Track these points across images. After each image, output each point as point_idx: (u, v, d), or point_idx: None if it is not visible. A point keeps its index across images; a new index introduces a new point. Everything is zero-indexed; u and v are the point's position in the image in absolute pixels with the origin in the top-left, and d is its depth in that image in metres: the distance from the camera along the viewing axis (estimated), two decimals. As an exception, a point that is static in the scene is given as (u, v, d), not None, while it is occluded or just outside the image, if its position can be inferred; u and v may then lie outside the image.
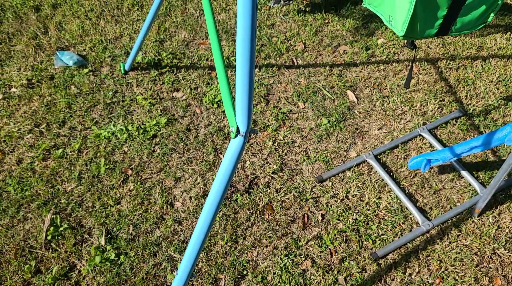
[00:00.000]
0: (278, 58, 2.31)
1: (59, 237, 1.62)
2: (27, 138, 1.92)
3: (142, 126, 1.97)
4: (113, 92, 2.12)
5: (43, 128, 1.96)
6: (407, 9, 1.11)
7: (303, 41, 2.39)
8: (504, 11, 2.47)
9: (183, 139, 1.94)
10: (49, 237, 1.61)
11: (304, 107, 2.08)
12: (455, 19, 1.17)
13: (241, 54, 0.88)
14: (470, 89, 2.11)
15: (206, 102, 2.09)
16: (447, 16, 1.15)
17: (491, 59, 2.23)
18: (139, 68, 2.22)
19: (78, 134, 1.94)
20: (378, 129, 1.98)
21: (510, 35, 2.34)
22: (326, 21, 2.49)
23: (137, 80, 2.18)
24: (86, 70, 2.20)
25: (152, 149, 1.90)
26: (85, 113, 2.02)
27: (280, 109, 2.07)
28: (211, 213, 1.04)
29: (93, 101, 2.07)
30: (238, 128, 0.96)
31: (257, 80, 2.20)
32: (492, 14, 1.20)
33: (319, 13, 2.52)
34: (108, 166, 1.83)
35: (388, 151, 1.90)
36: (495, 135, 1.49)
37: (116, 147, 1.90)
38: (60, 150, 1.87)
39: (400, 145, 1.91)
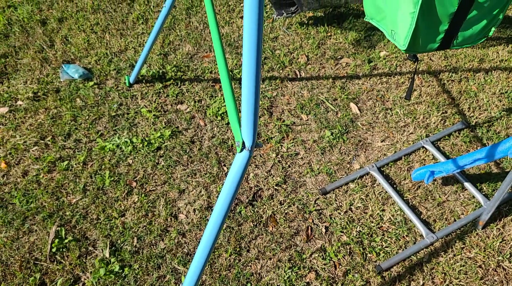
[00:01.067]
0: (281, 71, 2.33)
1: (63, 250, 1.62)
2: (32, 151, 1.94)
3: (147, 139, 1.99)
4: (118, 104, 2.14)
5: (49, 140, 1.98)
6: (409, 23, 1.13)
7: (306, 54, 2.42)
8: (505, 23, 2.50)
9: (187, 151, 1.95)
10: (54, 250, 1.61)
11: (307, 119, 2.10)
12: (456, 33, 1.19)
13: (247, 68, 0.89)
14: (473, 101, 2.12)
15: (210, 114, 2.10)
16: (448, 31, 1.17)
17: (493, 71, 2.25)
18: (144, 81, 2.25)
19: (83, 147, 1.96)
20: (381, 141, 1.99)
21: (511, 47, 2.36)
22: (329, 34, 2.52)
23: (141, 92, 2.20)
24: (91, 83, 2.22)
25: (157, 161, 1.91)
26: (90, 126, 2.04)
27: (284, 121, 2.09)
28: (217, 227, 1.04)
29: (98, 113, 2.09)
30: (243, 142, 0.97)
31: (260, 92, 2.22)
32: (493, 29, 1.22)
33: (321, 26, 2.55)
34: (112, 178, 1.84)
35: (392, 163, 1.90)
36: (498, 147, 1.49)
37: (120, 159, 1.91)
38: (65, 163, 1.88)
39: (403, 157, 1.92)
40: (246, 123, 0.95)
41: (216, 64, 2.32)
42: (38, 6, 2.64)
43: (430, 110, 2.09)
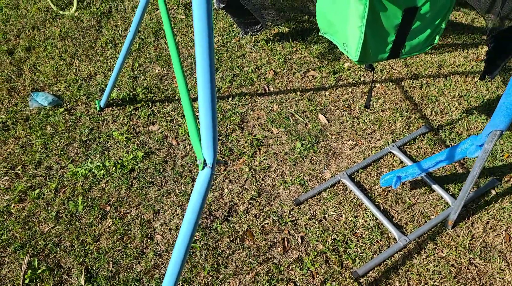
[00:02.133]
0: (250, 87, 2.38)
1: (37, 280, 1.59)
2: (2, 181, 1.91)
3: (119, 161, 1.99)
4: (89, 129, 2.14)
5: (19, 169, 1.95)
6: (358, 36, 1.20)
7: (274, 69, 2.48)
8: (460, 30, 2.63)
9: (161, 171, 1.96)
10: (26, 281, 1.58)
11: (278, 133, 2.14)
12: (403, 43, 1.26)
13: (202, 88, 0.93)
14: (434, 106, 2.21)
15: (182, 133, 2.12)
16: (396, 41, 1.24)
17: (451, 76, 2.36)
18: (115, 104, 2.26)
19: (55, 174, 1.94)
20: (350, 149, 2.05)
21: (467, 52, 2.48)
22: (294, 49, 2.60)
23: (112, 116, 2.21)
24: (61, 110, 2.22)
25: (130, 183, 1.91)
26: (61, 152, 2.03)
27: (255, 135, 2.12)
28: (185, 246, 1.06)
29: (69, 139, 2.09)
30: (204, 160, 0.99)
31: (231, 109, 2.26)
32: (437, 37, 1.29)
33: (287, 42, 2.63)
34: (86, 204, 1.82)
35: (361, 170, 1.96)
36: (457, 148, 1.56)
37: (93, 184, 1.90)
38: (37, 191, 1.86)
39: (372, 163, 1.97)
40: (205, 141, 0.98)
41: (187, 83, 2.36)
42: (4, 36, 2.64)
43: (395, 117, 2.17)
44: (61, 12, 2.79)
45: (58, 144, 2.07)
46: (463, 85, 2.30)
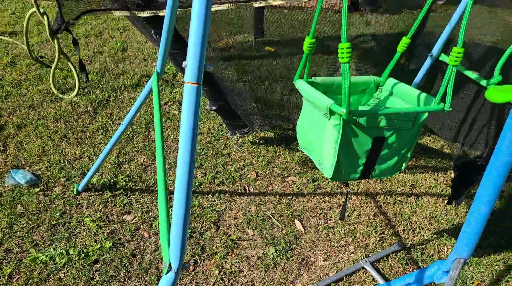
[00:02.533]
0: (231, 185, 2.43)
1: None
2: (-46, 260, 1.79)
3: (85, 250, 1.91)
4: (61, 213, 2.09)
5: (-24, 249, 1.85)
6: (332, 157, 1.29)
7: (256, 170, 2.56)
8: (431, 154, 2.83)
9: (126, 265, 1.88)
10: None
11: (253, 235, 2.12)
12: (373, 166, 1.35)
13: (179, 192, 0.96)
14: (407, 224, 2.27)
15: (155, 226, 2.09)
16: (366, 164, 1.33)
17: (423, 196, 2.46)
18: (93, 189, 2.25)
19: (13, 257, 1.84)
20: (324, 260, 2.02)
21: (437, 175, 2.63)
22: (278, 153, 2.72)
23: (88, 201, 2.18)
24: (37, 190, 2.19)
25: (91, 276, 1.81)
26: (26, 235, 1.95)
27: (230, 236, 2.10)
28: None
29: (38, 221, 2.02)
30: (170, 264, 0.98)
31: (209, 205, 2.26)
32: (404, 164, 1.40)
33: (271, 146, 2.77)
34: (38, 295, 1.70)
35: (333, 284, 1.90)
36: (426, 272, 1.56)
37: (51, 273, 1.79)
38: (-11, 275, 1.74)
39: (344, 277, 1.93)
40: (174, 245, 0.98)
41: (169, 176, 2.40)
42: (-1, 111, 2.73)
43: (369, 230, 2.20)
44: (60, 95, 2.94)
45: (24, 225, 2.00)
46: (434, 207, 2.39)
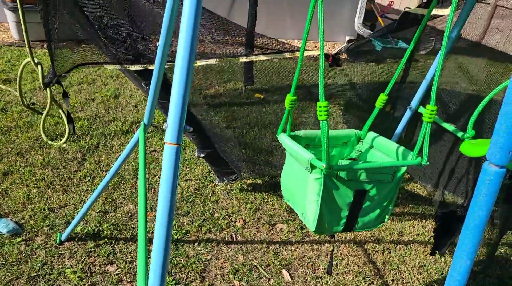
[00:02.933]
0: (218, 233, 2.40)
1: None
2: None
3: (64, 304, 1.83)
4: (42, 264, 2.03)
5: (-51, 304, 1.77)
6: (314, 209, 1.30)
7: (244, 218, 2.55)
8: (417, 200, 2.85)
9: (106, 320, 1.80)
10: None
11: (239, 286, 2.07)
12: (356, 219, 1.37)
13: (156, 250, 0.95)
14: (396, 273, 2.24)
15: (139, 278, 2.03)
16: (349, 216, 1.34)
17: (411, 244, 2.45)
18: (76, 238, 2.21)
19: (-12, 313, 1.76)
20: (312, 313, 1.97)
21: (425, 222, 2.64)
22: (266, 200, 2.72)
23: (70, 251, 2.13)
24: (19, 239, 2.14)
25: (69, 332, 1.73)
26: (4, 287, 1.88)
27: (215, 287, 2.05)
28: None
29: (17, 273, 1.96)
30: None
31: (195, 255, 2.22)
32: (386, 217, 1.42)
33: (259, 192, 2.77)
34: None
35: None
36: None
37: (27, 329, 1.71)
38: (-40, 333, 1.65)
39: (333, 332, 1.87)
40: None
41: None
42: (-14, 158, 2.72)
43: (358, 281, 2.16)
44: (50, 142, 2.95)
45: (3, 277, 1.93)
46: (423, 255, 2.37)
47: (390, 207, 1.39)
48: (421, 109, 1.86)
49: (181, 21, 0.77)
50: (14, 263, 2.01)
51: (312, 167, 1.23)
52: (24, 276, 1.96)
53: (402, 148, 1.39)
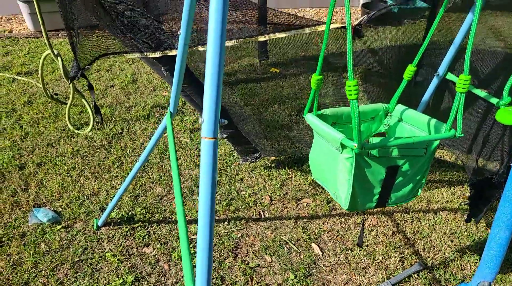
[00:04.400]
0: (246, 211, 2.45)
1: None
2: (-17, 303, 1.83)
3: (108, 286, 1.94)
4: (83, 249, 2.13)
5: (3, 291, 1.90)
6: (346, 188, 1.31)
7: (270, 195, 2.58)
8: (445, 167, 2.82)
9: (149, 300, 1.90)
10: None
11: (271, 261, 2.13)
12: (389, 194, 1.37)
13: (201, 239, 0.98)
14: (427, 242, 2.25)
15: (175, 257, 2.11)
16: (381, 193, 1.34)
17: (441, 212, 2.44)
18: (112, 223, 2.30)
19: (39, 297, 1.88)
20: (345, 284, 2.01)
21: (454, 189, 2.62)
22: (290, 176, 2.74)
23: (108, 236, 2.22)
24: (59, 227, 2.25)
25: (115, 312, 1.83)
26: (51, 273, 1.99)
27: (248, 263, 2.11)
28: None
29: (61, 259, 2.07)
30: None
31: (226, 233, 2.28)
32: (419, 190, 1.41)
33: (283, 169, 2.79)
34: (65, 335, 1.72)
35: (356, 309, 1.89)
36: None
37: (77, 311, 1.82)
38: (16, 317, 1.78)
39: (366, 301, 1.92)
40: (200, 279, 0.99)
41: (184, 205, 2.43)
42: (19, 151, 2.81)
43: (388, 251, 2.19)
44: (76, 131, 3.02)
45: (49, 263, 2.04)
46: (453, 222, 2.37)
47: (423, 181, 1.38)
48: (449, 76, 1.80)
49: (209, 16, 0.76)
50: (57, 250, 2.12)
51: (343, 146, 1.23)
52: (68, 261, 2.06)
53: (434, 120, 1.36)
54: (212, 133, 0.82)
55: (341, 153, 1.25)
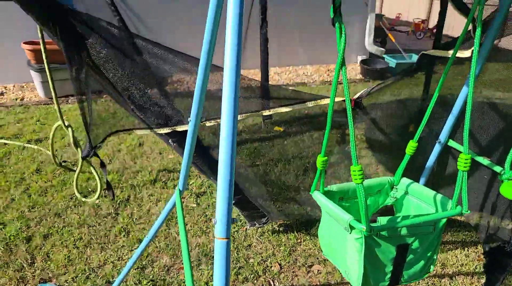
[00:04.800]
0: (255, 281, 2.39)
1: None
2: None
3: None
4: (88, 329, 2.06)
5: None
6: (357, 267, 1.29)
7: (279, 262, 2.53)
8: (456, 227, 2.77)
9: None
10: None
11: None
12: (401, 272, 1.34)
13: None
14: (444, 310, 2.16)
15: (183, 336, 2.03)
16: (393, 271, 1.32)
17: (456, 276, 2.37)
18: (118, 298, 2.24)
19: None
20: None
21: (468, 250, 2.56)
22: (299, 241, 2.70)
23: (114, 313, 2.16)
24: (63, 305, 2.19)
25: None
26: None
27: None
28: None
29: None
30: None
31: (235, 306, 2.21)
32: (432, 266, 1.39)
33: (291, 233, 2.76)
34: None
35: None
36: None
37: None
38: None
39: None
40: None
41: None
42: (27, 222, 2.82)
43: (405, 322, 2.09)
44: (83, 199, 3.04)
45: None
46: (470, 288, 2.29)
47: (435, 257, 1.37)
48: (451, 143, 1.84)
49: (221, 124, 0.81)
50: (61, 330, 2.05)
51: (352, 228, 1.23)
52: None
53: (439, 196, 1.38)
54: (225, 233, 0.84)
55: (349, 233, 1.25)
